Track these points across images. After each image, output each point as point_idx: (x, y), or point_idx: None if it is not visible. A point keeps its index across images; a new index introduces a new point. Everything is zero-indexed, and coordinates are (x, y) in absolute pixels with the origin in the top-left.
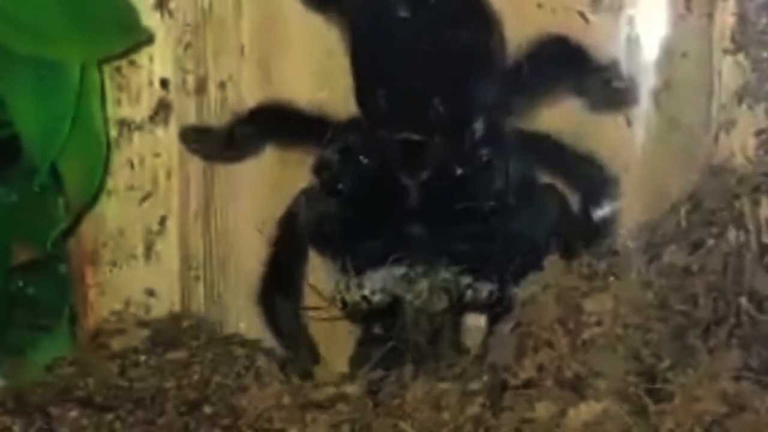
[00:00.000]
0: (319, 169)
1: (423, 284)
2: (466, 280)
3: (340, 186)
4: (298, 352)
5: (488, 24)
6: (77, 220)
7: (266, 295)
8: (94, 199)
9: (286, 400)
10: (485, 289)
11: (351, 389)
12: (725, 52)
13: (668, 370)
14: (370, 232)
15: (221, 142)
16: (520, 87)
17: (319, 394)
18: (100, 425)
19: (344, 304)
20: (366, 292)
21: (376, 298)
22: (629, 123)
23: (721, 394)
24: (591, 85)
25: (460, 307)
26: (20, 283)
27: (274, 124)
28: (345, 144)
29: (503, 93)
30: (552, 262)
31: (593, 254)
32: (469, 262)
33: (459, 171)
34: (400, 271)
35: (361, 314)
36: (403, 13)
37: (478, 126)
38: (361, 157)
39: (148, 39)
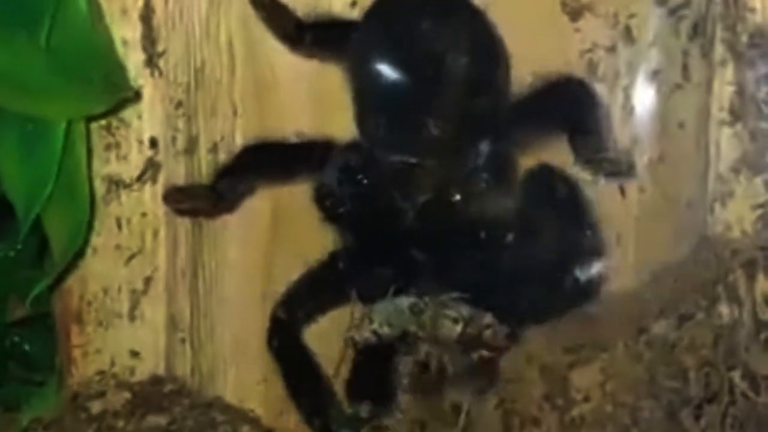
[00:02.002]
0: (320, 194)
1: (428, 314)
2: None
3: (341, 210)
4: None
5: (493, 54)
6: (63, 278)
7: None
8: (78, 256)
9: None
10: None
11: None
12: (723, 123)
13: None
14: (373, 259)
15: (206, 199)
16: (520, 120)
17: None
18: None
19: (355, 343)
20: (375, 326)
21: (385, 331)
22: (623, 193)
23: None
24: (586, 146)
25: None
26: (15, 339)
27: (259, 163)
28: (345, 164)
29: (504, 123)
30: (533, 333)
31: (577, 324)
32: (471, 291)
33: (456, 197)
34: (405, 301)
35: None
36: (405, 41)
37: (477, 152)
38: (360, 177)
39: (137, 96)
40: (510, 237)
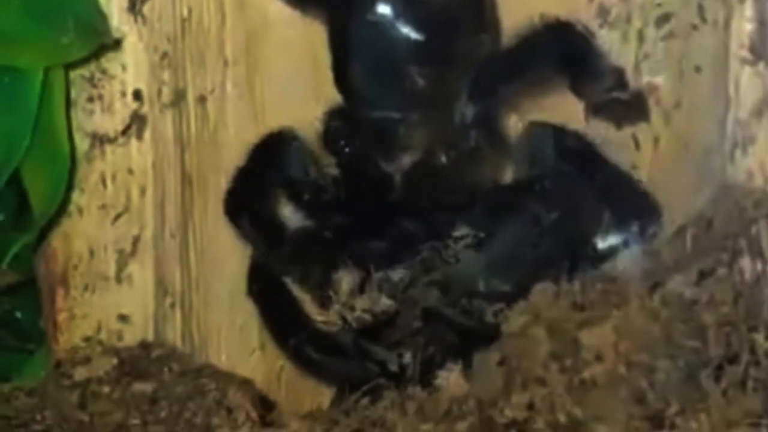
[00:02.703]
0: (293, 192)
1: (421, 285)
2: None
3: (322, 197)
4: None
5: None
6: (46, 238)
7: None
8: (61, 216)
9: None
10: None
11: None
12: (743, 62)
13: (677, 415)
14: (363, 235)
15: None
16: (512, 71)
17: None
18: None
19: (345, 321)
20: (364, 304)
21: (378, 308)
22: (637, 143)
23: None
24: (590, 88)
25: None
26: (6, 306)
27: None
28: (325, 133)
29: (493, 75)
30: (540, 289)
31: (587, 279)
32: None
33: (443, 158)
34: (397, 274)
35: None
36: None
37: (465, 106)
38: (342, 144)
39: (117, 44)
40: (504, 199)
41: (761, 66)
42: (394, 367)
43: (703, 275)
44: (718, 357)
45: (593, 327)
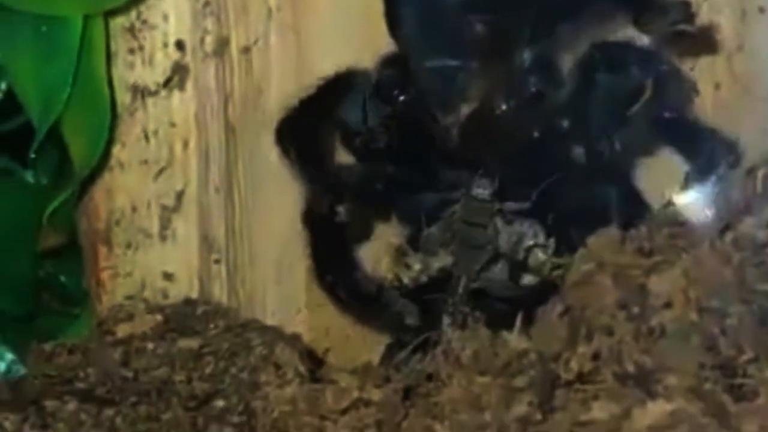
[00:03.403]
0: (346, 136)
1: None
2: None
3: (373, 146)
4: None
5: None
6: (88, 196)
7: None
8: (103, 171)
9: (302, 405)
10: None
11: (377, 391)
12: None
13: (750, 363)
14: (415, 187)
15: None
16: (572, 7)
17: (342, 395)
18: (99, 420)
19: (400, 282)
20: (419, 264)
21: (437, 263)
22: (697, 91)
23: None
24: (655, 22)
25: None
26: (50, 270)
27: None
28: (378, 82)
29: (553, 14)
30: (604, 234)
31: (653, 224)
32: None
33: (503, 106)
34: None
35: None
36: None
37: (525, 53)
38: (395, 93)
39: None
40: (566, 146)
41: None
42: (412, 321)
43: None
44: None
45: (661, 272)
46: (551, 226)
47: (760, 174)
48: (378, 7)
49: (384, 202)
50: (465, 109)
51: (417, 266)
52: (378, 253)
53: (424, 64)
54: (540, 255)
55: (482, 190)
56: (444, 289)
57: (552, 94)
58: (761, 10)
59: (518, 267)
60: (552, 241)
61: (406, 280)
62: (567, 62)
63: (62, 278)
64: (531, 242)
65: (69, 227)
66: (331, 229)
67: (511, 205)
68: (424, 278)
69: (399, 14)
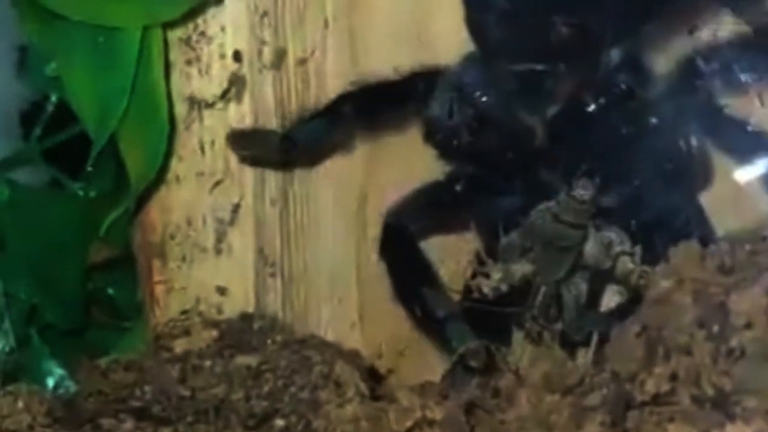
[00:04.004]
0: (429, 129)
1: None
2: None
3: (456, 142)
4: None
5: None
6: (143, 209)
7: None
8: (159, 185)
9: (365, 424)
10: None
11: (440, 409)
12: None
13: None
14: (496, 187)
15: (276, 148)
16: (658, 6)
17: (404, 414)
18: None
19: (484, 294)
20: (494, 283)
21: (518, 273)
22: (761, 101)
23: None
24: (752, 12)
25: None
26: (99, 283)
27: (359, 110)
28: (458, 84)
29: (639, 13)
30: (683, 250)
31: (734, 240)
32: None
33: (592, 105)
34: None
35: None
36: None
37: (612, 52)
38: (477, 95)
39: (217, 1)
40: (657, 146)
41: None
42: (475, 364)
43: None
44: None
45: (742, 291)
46: (636, 234)
47: None
48: (430, 19)
49: (464, 205)
50: (551, 110)
51: (497, 275)
52: (460, 264)
53: (509, 68)
54: (629, 263)
55: (583, 191)
56: (522, 301)
57: (641, 92)
58: None
59: (604, 276)
60: (638, 249)
61: (486, 290)
62: (659, 59)
63: (112, 292)
64: (619, 249)
65: (122, 241)
66: (409, 242)
67: (606, 200)
68: (504, 287)
69: (481, 20)
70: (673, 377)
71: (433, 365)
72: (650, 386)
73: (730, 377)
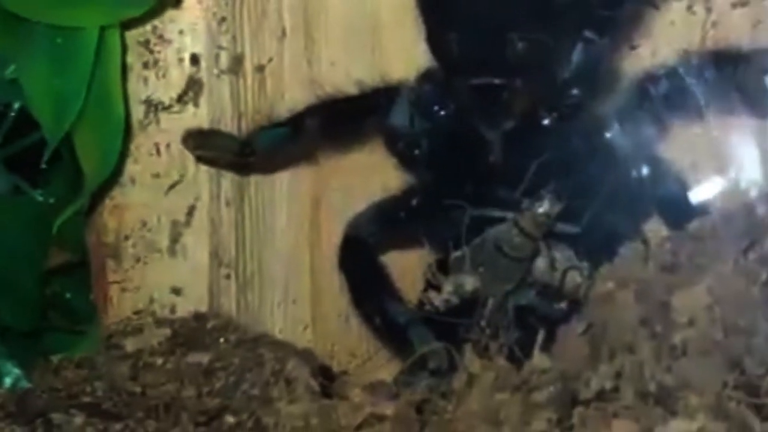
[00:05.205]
0: (390, 138)
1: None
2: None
3: (417, 151)
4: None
5: None
6: (98, 210)
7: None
8: (112, 182)
9: (315, 421)
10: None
11: (390, 406)
12: None
13: None
14: (450, 199)
15: (234, 152)
16: (610, 23)
17: (355, 411)
18: None
19: (435, 307)
20: (451, 286)
21: (468, 286)
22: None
23: None
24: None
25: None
26: (57, 288)
27: (325, 124)
28: (418, 97)
29: (593, 29)
30: (628, 250)
31: (676, 240)
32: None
33: (546, 119)
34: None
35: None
36: None
37: (566, 67)
38: (436, 108)
39: (176, 2)
40: (609, 161)
41: None
42: (434, 365)
43: None
44: None
45: (684, 290)
46: (585, 247)
47: None
48: (387, 35)
49: (419, 219)
50: (509, 123)
51: (448, 288)
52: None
53: (468, 82)
54: (577, 277)
55: (547, 205)
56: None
57: (593, 106)
58: None
59: (553, 292)
60: (586, 264)
61: (437, 303)
62: (611, 75)
63: (69, 296)
64: (567, 264)
65: (78, 245)
66: (368, 255)
67: (564, 228)
68: (455, 300)
69: (443, 38)
70: (618, 374)
71: (385, 366)
72: (595, 383)
73: (673, 374)
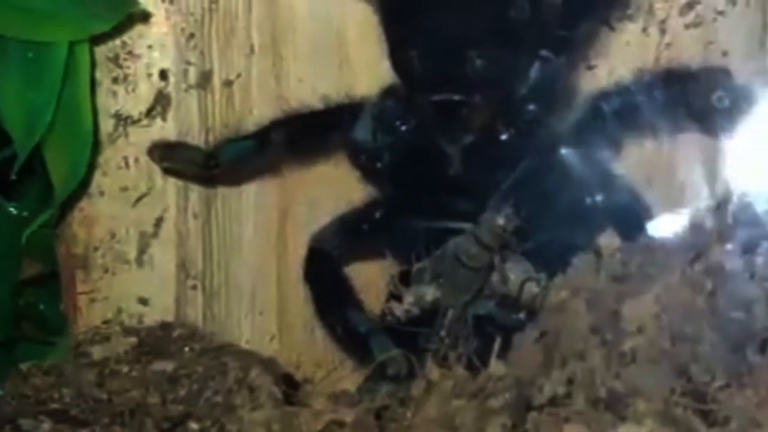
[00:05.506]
0: (354, 151)
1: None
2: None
3: (379, 165)
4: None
5: None
6: (67, 222)
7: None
8: (82, 194)
9: (276, 427)
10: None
11: (350, 412)
12: None
13: (722, 390)
14: (412, 212)
15: (200, 165)
16: (570, 29)
17: (316, 418)
18: None
19: (396, 317)
20: (406, 306)
21: (428, 297)
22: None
23: None
24: None
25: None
26: (30, 299)
27: (290, 138)
28: (380, 111)
29: (552, 40)
30: (581, 261)
31: (626, 251)
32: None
33: (504, 135)
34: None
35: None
36: None
37: (524, 83)
38: (397, 123)
39: (144, 17)
40: (565, 178)
41: None
42: (393, 371)
43: (746, 249)
44: (764, 330)
45: (634, 298)
46: (541, 259)
47: (730, 205)
48: (354, 55)
49: (381, 231)
50: (468, 138)
51: (409, 299)
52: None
53: (429, 98)
54: (534, 288)
55: (506, 220)
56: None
57: (550, 122)
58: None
59: (510, 302)
60: (543, 275)
61: (398, 313)
62: (568, 91)
63: (42, 307)
64: (524, 276)
65: (48, 256)
66: (332, 267)
67: (518, 246)
68: (415, 311)
69: (405, 55)
70: (570, 381)
71: (349, 377)
72: (548, 389)
73: (622, 380)
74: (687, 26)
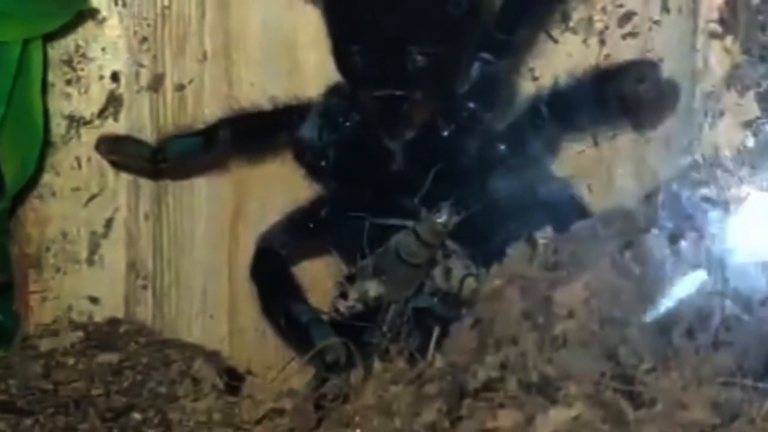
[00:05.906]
0: (299, 149)
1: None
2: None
3: (323, 163)
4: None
5: None
6: (20, 222)
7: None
8: (32, 196)
9: (218, 416)
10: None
11: (290, 401)
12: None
13: (649, 373)
14: (355, 208)
15: (146, 159)
16: (509, 33)
17: (256, 407)
18: (18, 430)
19: (341, 314)
20: (350, 302)
21: (372, 293)
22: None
23: (710, 400)
24: None
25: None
26: None
27: (237, 137)
28: (325, 109)
29: (492, 43)
30: (515, 250)
31: (559, 240)
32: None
33: (445, 131)
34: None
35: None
36: None
37: (467, 77)
38: (341, 120)
39: (94, 14)
40: (506, 174)
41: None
42: (331, 358)
43: (674, 238)
44: (690, 316)
45: (565, 285)
46: (481, 255)
47: (659, 195)
48: (306, 61)
49: (327, 229)
50: (410, 134)
51: (353, 295)
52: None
53: (371, 94)
54: (473, 284)
55: (445, 216)
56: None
57: (489, 120)
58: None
59: (451, 299)
60: (483, 271)
61: (342, 309)
62: (508, 91)
63: (1, 317)
64: (464, 272)
65: (5, 265)
66: (279, 265)
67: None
68: (359, 307)
69: (346, 50)
70: (503, 366)
71: (300, 377)
72: (482, 374)
73: (554, 364)
74: (624, 36)
